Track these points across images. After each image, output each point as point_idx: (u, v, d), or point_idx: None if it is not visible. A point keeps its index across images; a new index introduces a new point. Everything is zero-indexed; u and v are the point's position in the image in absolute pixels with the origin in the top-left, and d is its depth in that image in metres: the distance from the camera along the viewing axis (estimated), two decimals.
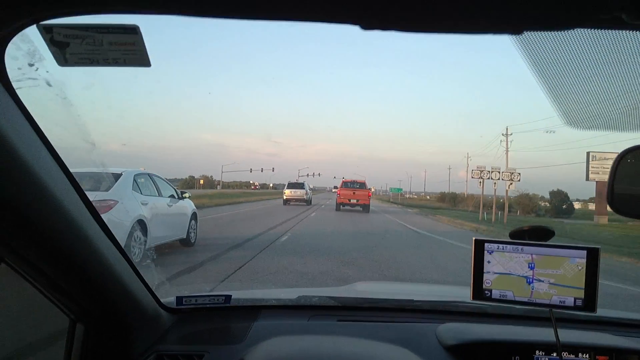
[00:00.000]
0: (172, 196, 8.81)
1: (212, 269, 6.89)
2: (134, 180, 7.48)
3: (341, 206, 26.58)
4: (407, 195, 62.05)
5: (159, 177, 8.89)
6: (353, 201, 26.34)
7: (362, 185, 27.99)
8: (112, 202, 6.53)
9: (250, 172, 79.02)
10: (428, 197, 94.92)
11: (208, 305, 1.52)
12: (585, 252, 1.05)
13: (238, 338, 1.41)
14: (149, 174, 8.41)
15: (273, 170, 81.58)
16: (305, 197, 31.07)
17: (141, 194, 7.54)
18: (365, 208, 26.33)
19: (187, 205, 9.31)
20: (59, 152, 0.88)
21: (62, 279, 0.99)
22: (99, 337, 1.17)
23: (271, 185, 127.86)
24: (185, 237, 8.92)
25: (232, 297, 1.57)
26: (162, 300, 1.45)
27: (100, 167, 7.56)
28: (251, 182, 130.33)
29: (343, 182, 28.32)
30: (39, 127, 0.82)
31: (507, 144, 33.95)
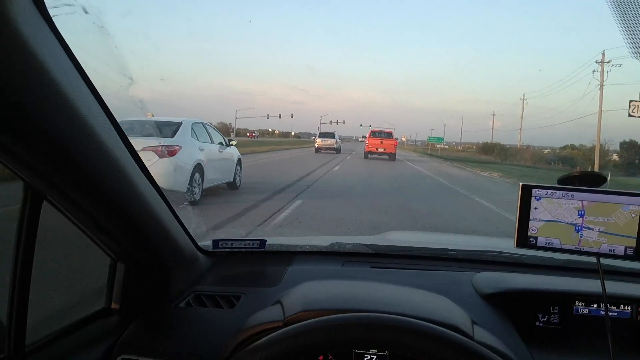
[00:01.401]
0: (220, 143, 9.70)
1: (256, 212, 7.66)
2: (192, 128, 8.35)
3: (369, 154, 28.69)
4: (439, 146, 56.93)
5: (210, 125, 9.82)
6: (380, 150, 28.55)
7: (389, 135, 30.05)
8: (177, 147, 7.43)
9: (267, 118, 73.47)
10: (460, 148, 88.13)
11: (243, 249, 1.55)
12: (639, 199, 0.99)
13: (273, 281, 1.44)
14: (202, 123, 9.30)
15: (292, 117, 72.52)
16: (335, 145, 33.28)
17: (198, 140, 8.44)
18: (392, 156, 28.61)
19: (233, 152, 10.21)
20: (96, 87, 0.85)
21: (104, 218, 1.00)
22: (139, 276, 1.21)
23: (293, 133, 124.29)
24: (232, 180, 9.90)
25: (267, 242, 1.59)
26: (199, 243, 1.48)
27: (152, 116, 8.52)
28: (270, 129, 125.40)
29: (371, 132, 30.22)
30: (77, 60, 0.79)
31: (602, 74, 29.71)
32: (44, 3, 0.69)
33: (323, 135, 34.48)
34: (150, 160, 6.93)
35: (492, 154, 53.79)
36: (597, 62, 30.45)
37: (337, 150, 33.54)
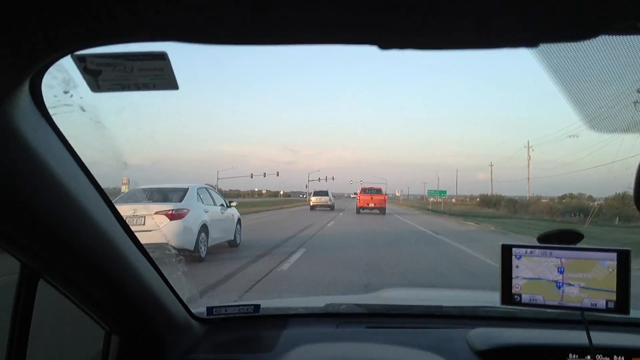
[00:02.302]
0: (222, 205, 10.72)
1: (255, 268, 8.43)
2: (197, 192, 9.42)
3: (361, 210, 30.44)
4: (432, 200, 52.70)
5: (212, 189, 10.98)
6: (371, 205, 30.32)
7: (379, 191, 32.34)
8: (186, 210, 8.45)
9: (252, 177, 70.63)
10: (454, 201, 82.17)
11: (238, 315, 1.57)
12: (615, 254, 1.02)
13: (268, 346, 1.44)
14: (206, 187, 10.43)
15: (278, 175, 68.50)
16: (329, 203, 35.24)
17: (203, 203, 9.47)
18: (382, 211, 30.36)
19: (234, 213, 11.22)
20: (92, 172, 0.91)
21: (97, 293, 1.03)
22: (134, 348, 1.21)
23: (282, 192, 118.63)
24: (233, 238, 10.86)
25: (261, 306, 1.61)
26: (193, 310, 1.49)
27: (166, 184, 9.57)
28: (256, 189, 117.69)
29: (362, 189, 32.55)
30: (74, 150, 0.86)
31: (528, 155, 33.06)
32: (44, 104, 0.76)
33: (317, 193, 36.38)
34: (162, 222, 8.00)
35: (496, 207, 49.25)
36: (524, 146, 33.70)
37: (331, 207, 35.29)
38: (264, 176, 66.93)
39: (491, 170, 61.66)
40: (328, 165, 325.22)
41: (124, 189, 10.57)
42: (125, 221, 1.04)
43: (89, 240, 0.91)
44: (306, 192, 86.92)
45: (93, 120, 0.98)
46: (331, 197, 36.22)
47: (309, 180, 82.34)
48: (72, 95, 0.82)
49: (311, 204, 35.61)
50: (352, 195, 62.70)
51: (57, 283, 0.97)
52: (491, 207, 49.74)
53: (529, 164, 50.84)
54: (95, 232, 0.92)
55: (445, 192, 50.30)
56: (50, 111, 0.78)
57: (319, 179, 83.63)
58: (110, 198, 1.00)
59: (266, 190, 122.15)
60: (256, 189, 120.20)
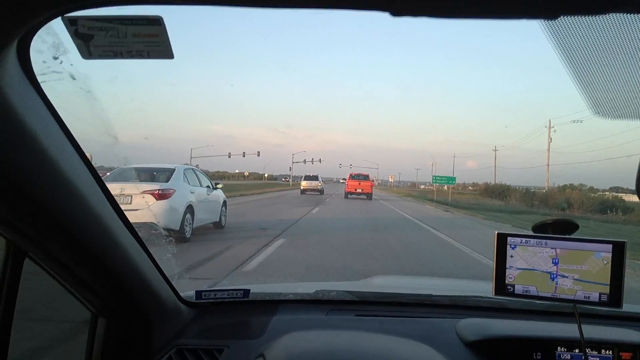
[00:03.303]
0: (208, 186, 10.65)
1: (242, 248, 8.45)
2: (184, 173, 9.35)
3: (349, 195, 31.60)
4: (423, 187, 48.03)
5: (199, 170, 10.91)
6: (359, 190, 31.50)
7: (366, 177, 33.52)
8: (172, 190, 8.41)
9: (229, 157, 62.19)
10: (445, 188, 66.73)
11: (227, 300, 1.56)
12: (611, 246, 1.01)
13: (257, 332, 1.43)
14: (192, 169, 10.37)
15: (258, 155, 61.86)
16: (319, 187, 36.20)
17: (189, 184, 9.40)
18: (369, 196, 31.54)
19: (219, 194, 11.16)
20: (82, 146, 0.87)
21: (85, 273, 1.00)
22: (120, 331, 1.19)
23: (266, 175, 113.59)
24: (218, 220, 10.81)
25: (251, 291, 1.60)
26: (181, 294, 1.47)
27: (151, 164, 9.47)
28: (237, 171, 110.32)
29: (350, 175, 33.80)
30: (62, 122, 0.81)
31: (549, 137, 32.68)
32: (33, 71, 0.72)
33: (308, 177, 37.30)
34: (148, 202, 7.97)
35: (502, 198, 42.70)
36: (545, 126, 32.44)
37: (321, 192, 36.01)
38: (243, 156, 61.34)
39: (495, 155, 55.01)
40: (319, 148, 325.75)
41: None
42: (114, 199, 1.00)
43: (77, 218, 0.88)
44: (289, 175, 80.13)
45: (84, 89, 0.94)
46: (321, 182, 37.20)
47: (293, 162, 74.91)
48: (62, 62, 0.78)
49: (301, 187, 36.47)
50: (341, 181, 62.91)
51: (44, 262, 0.94)
52: (495, 198, 44.05)
53: (549, 147, 44.22)
54: (84, 210, 0.88)
55: (454, 178, 41.17)
56: (39, 78, 0.74)
57: (305, 161, 75.86)
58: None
59: (249, 173, 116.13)
60: (237, 171, 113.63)
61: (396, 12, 0.49)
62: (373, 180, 37.26)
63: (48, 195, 0.79)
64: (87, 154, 0.89)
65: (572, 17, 0.56)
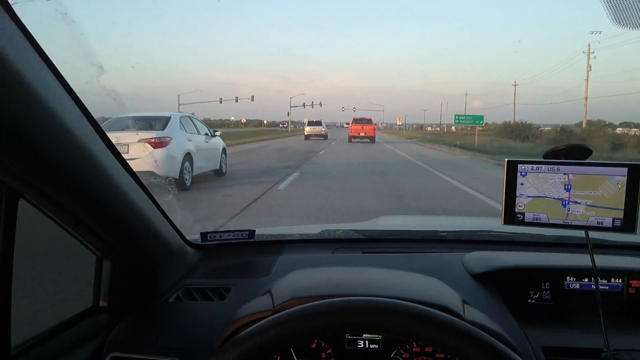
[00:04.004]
0: (206, 134, 10.59)
1: (244, 193, 8.61)
2: (180, 121, 9.26)
3: (352, 139, 32.63)
4: (430, 129, 44.08)
5: (196, 118, 10.79)
6: (362, 134, 32.53)
7: (369, 121, 34.18)
8: (168, 138, 8.37)
9: (221, 102, 55.63)
10: (453, 129, 61.24)
11: (232, 241, 1.57)
12: (626, 169, 0.97)
13: (263, 271, 1.43)
14: (189, 116, 10.26)
15: (252, 99, 55.18)
16: (322, 132, 37.33)
17: (186, 132, 9.34)
18: (372, 139, 32.73)
19: (218, 142, 11.12)
20: (65, 77, 0.79)
21: (84, 215, 0.97)
22: (126, 273, 1.19)
23: (265, 122, 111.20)
24: (218, 168, 10.85)
25: (257, 232, 1.60)
26: (187, 237, 1.47)
27: (145, 112, 9.40)
28: (232, 118, 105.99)
29: (353, 119, 34.42)
30: (41, 49, 0.73)
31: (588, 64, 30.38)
32: None
33: (312, 123, 38.33)
34: (145, 150, 7.95)
35: (530, 140, 36.48)
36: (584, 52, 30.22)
37: (325, 137, 36.90)
38: (236, 101, 55.25)
39: (515, 91, 48.53)
40: (321, 93, 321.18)
41: None
42: (110, 141, 0.95)
43: (69, 156, 0.83)
44: (287, 122, 77.22)
45: (59, 11, 0.85)
46: (324, 127, 38.15)
47: (290, 107, 70.36)
48: None
49: (305, 133, 37.27)
50: (344, 125, 62.27)
51: (40, 204, 0.91)
52: (515, 139, 38.23)
53: (588, 76, 38.67)
54: (74, 147, 0.83)
55: (482, 117, 34.21)
56: (10, 0, 0.67)
57: (304, 105, 70.97)
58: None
59: (246, 120, 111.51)
60: (232, 118, 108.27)
61: None
62: (376, 124, 37.57)
63: (33, 129, 0.74)
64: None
65: None
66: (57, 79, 0.79)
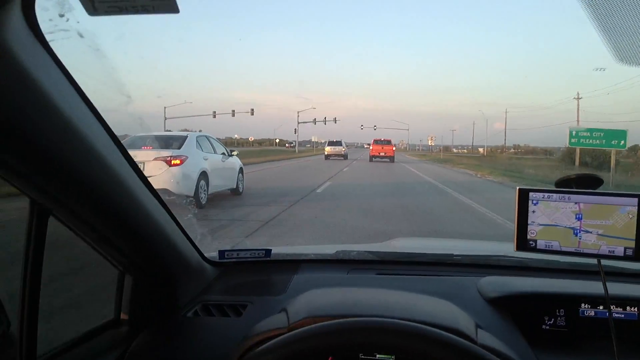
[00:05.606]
0: (223, 153, 10.76)
1: (260, 212, 8.73)
2: (196, 140, 9.45)
3: (373, 158, 35.02)
4: (455, 150, 41.08)
5: (213, 138, 10.97)
6: (382, 154, 35.33)
7: (389, 142, 37.13)
8: (184, 157, 8.53)
9: (214, 117, 50.70)
10: (483, 150, 59.12)
11: (249, 259, 1.59)
12: (637, 199, 0.97)
13: (279, 290, 1.46)
14: (206, 136, 10.45)
15: (252, 113, 50.49)
16: (342, 152, 37.97)
17: (202, 151, 9.50)
18: (391, 159, 35.08)
19: (235, 161, 11.26)
20: (96, 106, 0.87)
21: (109, 232, 1.03)
22: (147, 287, 1.23)
23: (277, 140, 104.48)
24: (235, 187, 10.96)
25: (273, 251, 1.62)
26: (205, 254, 1.51)
27: (164, 132, 9.59)
28: (236, 136, 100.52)
29: (374, 140, 37.47)
30: (74, 80, 0.81)
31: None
32: (41, 29, 0.71)
33: (332, 143, 39.08)
34: (161, 169, 8.12)
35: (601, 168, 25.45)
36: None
37: (345, 157, 37.30)
38: (233, 115, 50.61)
39: (578, 103, 35.97)
40: (343, 114, 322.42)
41: None
42: (132, 159, 1.01)
43: (98, 177, 0.90)
44: (294, 142, 70.45)
45: (92, 47, 0.92)
46: (344, 147, 38.95)
47: (298, 123, 61.72)
48: (68, 20, 0.77)
49: (325, 153, 38.22)
50: (365, 146, 62.80)
51: (68, 220, 0.96)
52: (586, 165, 28.59)
53: None
54: (104, 169, 0.90)
55: (625, 132, 20.18)
56: (47, 37, 0.73)
57: (315, 121, 63.09)
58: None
59: (252, 138, 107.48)
60: (237, 136, 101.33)
61: None
62: (397, 145, 38.81)
63: (66, 152, 0.80)
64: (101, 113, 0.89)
65: None
66: (88, 107, 0.86)
